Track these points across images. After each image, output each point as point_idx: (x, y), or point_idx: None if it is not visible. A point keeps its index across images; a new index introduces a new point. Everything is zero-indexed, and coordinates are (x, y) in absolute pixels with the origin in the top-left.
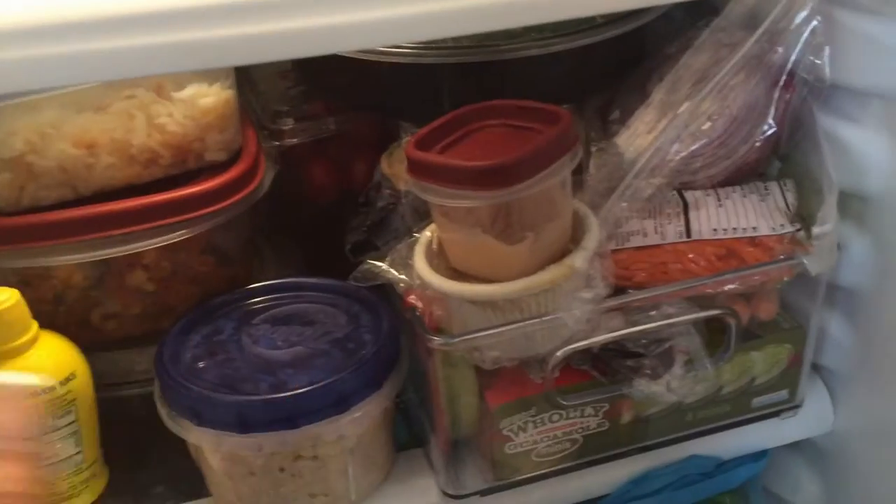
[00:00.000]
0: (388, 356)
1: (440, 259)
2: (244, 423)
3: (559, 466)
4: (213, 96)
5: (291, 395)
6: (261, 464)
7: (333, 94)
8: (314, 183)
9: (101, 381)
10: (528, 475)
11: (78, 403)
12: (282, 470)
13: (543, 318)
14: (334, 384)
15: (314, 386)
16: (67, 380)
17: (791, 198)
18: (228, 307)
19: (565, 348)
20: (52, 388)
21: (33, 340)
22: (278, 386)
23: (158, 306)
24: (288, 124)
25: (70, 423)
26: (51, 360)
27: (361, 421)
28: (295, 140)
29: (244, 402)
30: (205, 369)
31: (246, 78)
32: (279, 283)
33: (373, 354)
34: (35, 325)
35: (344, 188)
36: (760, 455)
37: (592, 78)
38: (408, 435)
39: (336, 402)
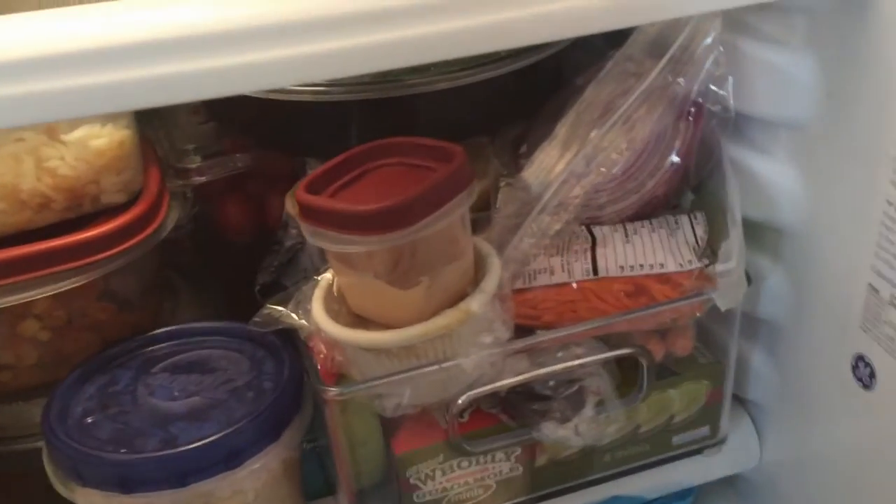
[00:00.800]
0: (287, 405)
1: (341, 304)
2: (127, 483)
3: None
4: (106, 137)
5: (178, 453)
6: None
7: (242, 131)
8: (229, 221)
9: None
10: None
11: None
12: None
13: (441, 365)
14: (225, 438)
15: (203, 441)
16: None
17: (701, 231)
18: (127, 355)
19: (468, 394)
20: None
21: None
22: (168, 441)
23: (55, 356)
24: (195, 162)
25: None
26: None
27: (259, 474)
28: (204, 178)
29: (127, 461)
30: (94, 425)
31: (155, 113)
32: (182, 328)
33: (269, 405)
34: None
35: (261, 226)
36: (686, 493)
37: (504, 110)
38: (322, 481)
39: (227, 458)
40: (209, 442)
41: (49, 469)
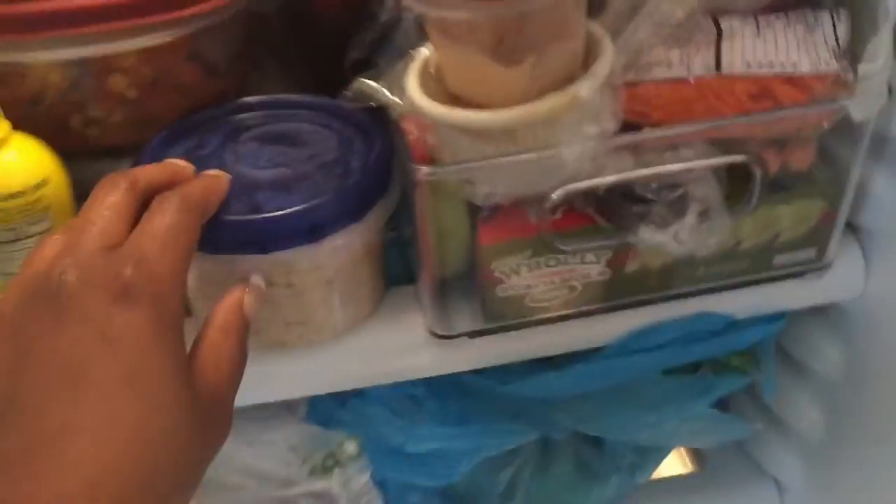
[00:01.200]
0: (373, 186)
1: (438, 82)
2: (213, 242)
3: (555, 313)
4: None
5: (261, 219)
6: (234, 285)
7: None
8: None
9: (86, 191)
10: (521, 320)
11: (52, 211)
12: None
13: (540, 153)
14: (308, 211)
15: (286, 211)
16: (39, 186)
17: (842, 31)
18: (217, 121)
19: (565, 188)
20: (20, 193)
21: (2, 142)
22: (254, 207)
23: (142, 115)
24: None
25: (45, 231)
26: (21, 165)
27: (339, 252)
28: None
29: (212, 222)
30: None
31: None
32: (274, 98)
33: (354, 184)
34: (7, 125)
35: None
36: (777, 317)
37: None
38: (402, 269)
39: (309, 231)
40: (292, 212)
41: None
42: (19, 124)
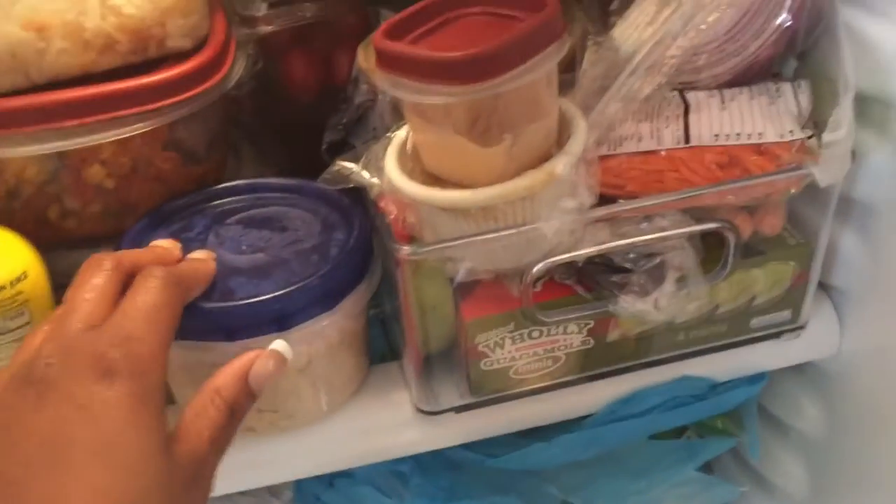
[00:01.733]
0: (348, 274)
1: (415, 162)
2: (180, 329)
3: (540, 385)
4: None
5: (228, 307)
6: (205, 373)
7: None
8: (294, 76)
9: (65, 282)
10: (506, 393)
11: (31, 305)
12: None
13: (520, 229)
14: (275, 300)
15: (251, 300)
16: (18, 280)
17: (805, 101)
18: (204, 204)
19: (545, 261)
20: (1, 289)
21: None
22: (225, 294)
23: (120, 205)
24: (262, 10)
25: (23, 326)
26: (1, 259)
27: (311, 340)
28: (270, 27)
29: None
30: None
31: None
32: (262, 182)
33: (326, 273)
34: None
35: (327, 82)
36: (758, 378)
37: None
38: (386, 347)
39: (277, 320)
40: (258, 301)
41: None
42: None
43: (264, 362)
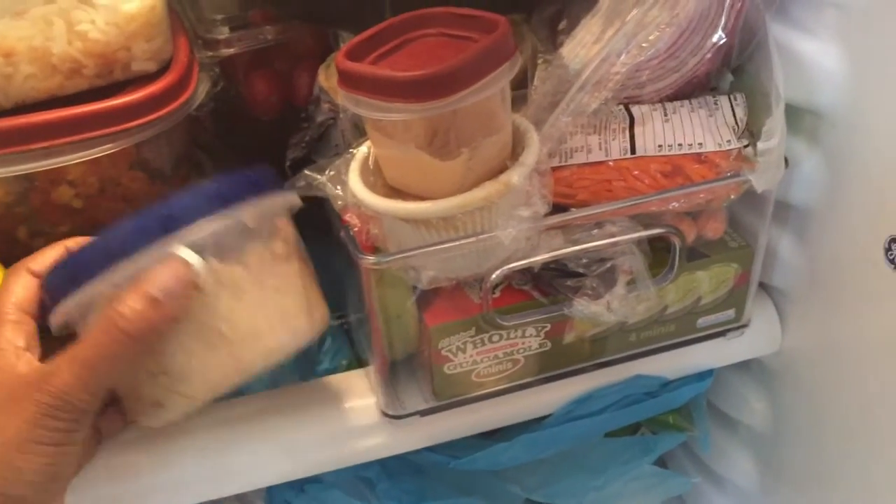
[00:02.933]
0: (189, 209)
1: (377, 176)
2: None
3: (501, 387)
4: (137, 2)
5: (69, 257)
6: None
7: (271, 1)
8: (255, 96)
9: None
10: (469, 395)
11: None
12: None
13: (479, 237)
14: (113, 235)
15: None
16: None
17: (740, 112)
18: None
19: (503, 268)
20: None
21: None
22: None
23: (88, 224)
24: (224, 33)
25: None
26: None
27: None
28: (232, 50)
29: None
30: None
31: None
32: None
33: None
34: None
35: (288, 102)
36: (705, 375)
37: None
38: (351, 356)
39: (117, 254)
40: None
41: None
42: None
43: (160, 267)
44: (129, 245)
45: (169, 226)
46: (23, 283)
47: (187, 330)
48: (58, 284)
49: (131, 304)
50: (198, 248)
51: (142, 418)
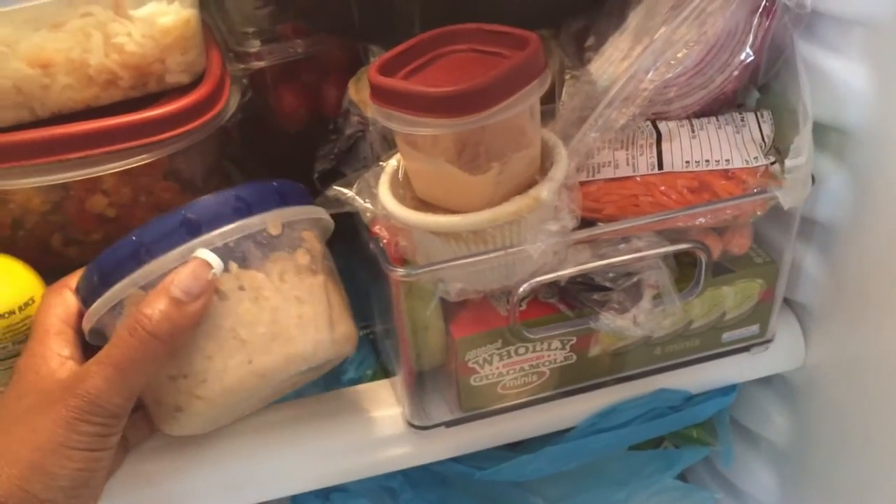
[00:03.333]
0: (213, 213)
1: (406, 189)
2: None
3: (526, 399)
4: (172, 15)
5: (97, 260)
6: None
7: (301, 15)
8: (284, 108)
9: None
10: (494, 407)
11: None
12: None
13: (508, 251)
14: (136, 237)
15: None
16: (26, 304)
17: (767, 129)
18: None
19: (531, 281)
20: (10, 314)
21: None
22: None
23: (121, 232)
24: (255, 46)
25: None
26: (9, 286)
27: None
28: (262, 63)
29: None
30: None
31: None
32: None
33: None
34: None
35: (315, 114)
36: (729, 389)
37: (569, 1)
38: (376, 366)
39: (140, 256)
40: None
41: None
42: (2, 247)
43: (180, 268)
44: (154, 247)
45: (192, 229)
46: (63, 299)
47: (205, 332)
48: (88, 289)
49: (155, 306)
50: (219, 252)
51: (164, 425)
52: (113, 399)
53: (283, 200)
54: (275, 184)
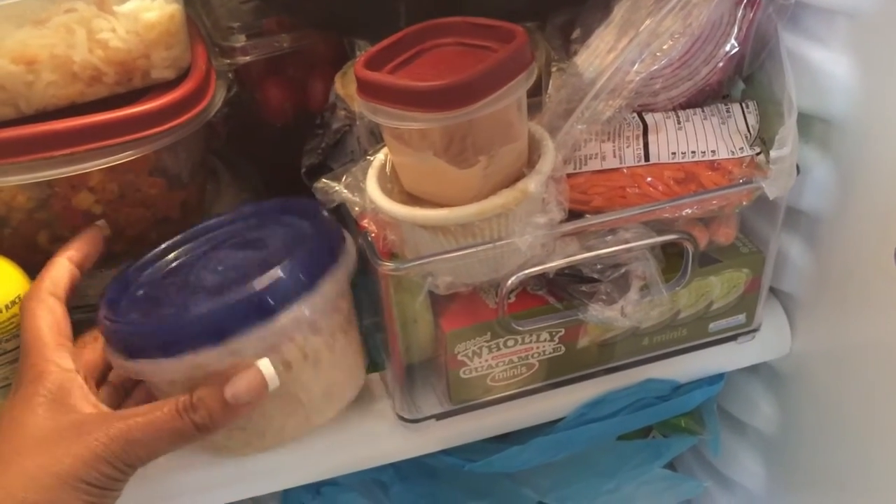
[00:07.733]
0: (286, 290)
1: (394, 183)
2: (128, 349)
3: (515, 391)
4: (157, 10)
5: (164, 324)
6: (166, 390)
7: (286, 9)
8: (270, 103)
9: None
10: (484, 399)
11: None
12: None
13: (496, 244)
14: (210, 314)
15: (189, 315)
16: (13, 303)
17: (752, 120)
18: (219, 229)
19: (519, 274)
20: None
21: None
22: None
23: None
24: (240, 41)
25: (17, 348)
26: None
27: (275, 343)
28: (248, 58)
29: (124, 329)
30: (141, 297)
31: None
32: (267, 205)
33: (263, 288)
34: None
35: (302, 109)
36: (717, 378)
37: None
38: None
39: (213, 334)
40: (194, 316)
41: None
42: None
43: (240, 374)
44: (226, 326)
45: (265, 308)
46: (50, 308)
47: (270, 397)
48: (142, 344)
49: (207, 401)
50: (290, 332)
51: (201, 445)
52: (140, 452)
53: (336, 256)
54: (326, 239)
